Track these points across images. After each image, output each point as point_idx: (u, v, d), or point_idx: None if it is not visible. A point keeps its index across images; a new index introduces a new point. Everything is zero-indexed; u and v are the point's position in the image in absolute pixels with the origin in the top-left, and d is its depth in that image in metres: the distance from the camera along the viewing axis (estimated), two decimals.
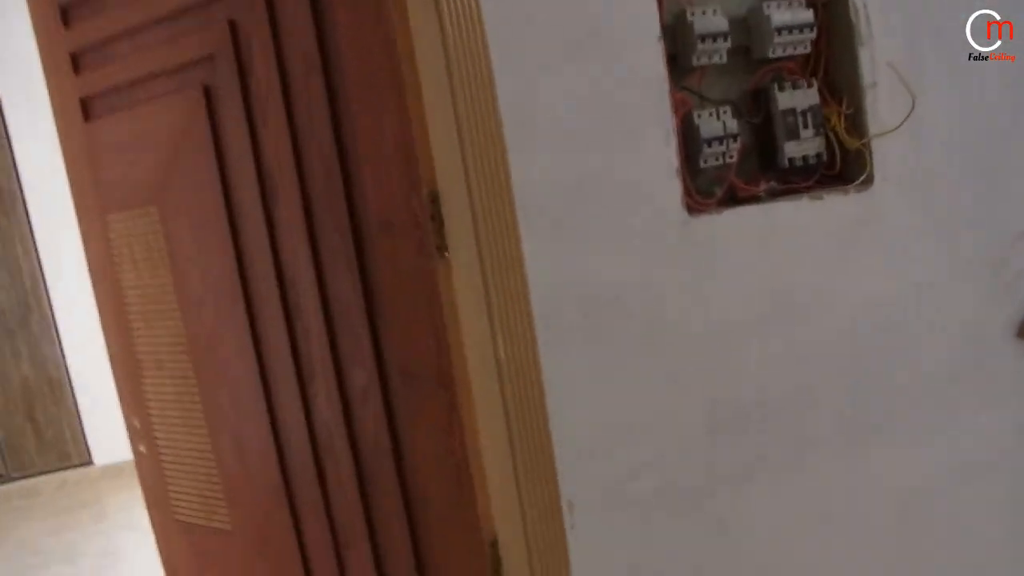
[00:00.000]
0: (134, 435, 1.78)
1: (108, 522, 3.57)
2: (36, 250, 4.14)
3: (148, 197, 1.61)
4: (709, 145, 1.29)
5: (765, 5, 1.30)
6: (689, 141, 1.30)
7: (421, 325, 1.30)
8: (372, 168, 1.31)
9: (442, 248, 1.26)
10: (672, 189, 1.22)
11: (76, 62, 1.64)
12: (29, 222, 4.12)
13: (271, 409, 1.54)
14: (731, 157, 1.30)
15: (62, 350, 4.20)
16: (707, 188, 1.32)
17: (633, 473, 1.18)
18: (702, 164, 1.29)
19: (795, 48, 1.32)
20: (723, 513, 1.23)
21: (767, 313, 1.25)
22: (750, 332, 1.24)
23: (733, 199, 1.33)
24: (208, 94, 1.44)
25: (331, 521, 1.49)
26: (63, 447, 4.26)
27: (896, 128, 1.29)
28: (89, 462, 4.27)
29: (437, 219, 1.26)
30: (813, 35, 1.32)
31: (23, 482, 4.20)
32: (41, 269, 4.14)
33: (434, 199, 1.26)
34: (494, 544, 1.28)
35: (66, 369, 4.21)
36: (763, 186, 1.34)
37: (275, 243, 1.44)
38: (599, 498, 1.17)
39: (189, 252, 1.57)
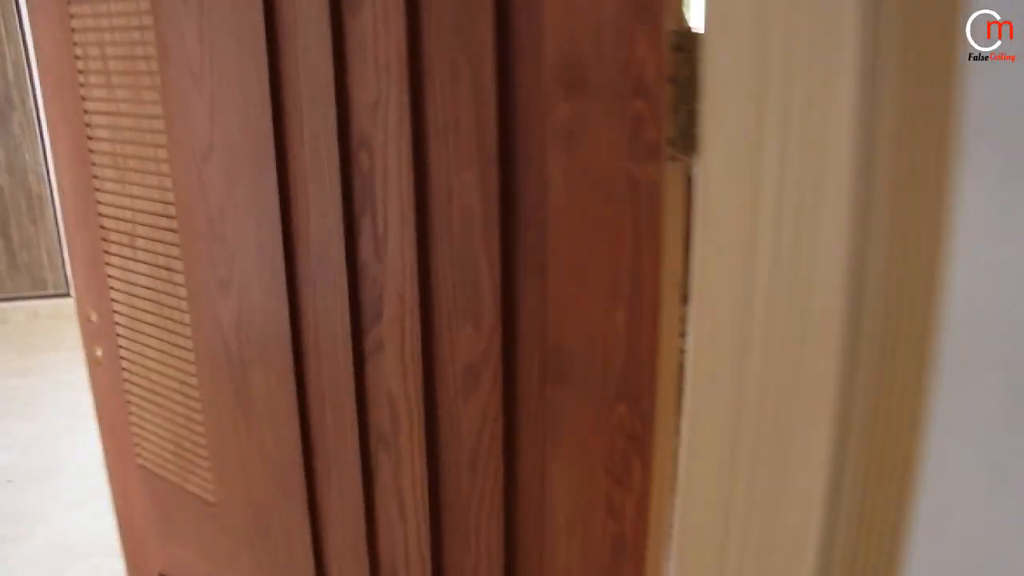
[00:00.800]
0: (89, 333, 1.20)
1: (79, 373, 3.07)
2: (22, 33, 3.40)
3: None
4: None
5: None
6: None
7: (606, 281, 0.69)
8: None
9: (683, 144, 0.63)
10: None
11: None
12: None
13: (297, 346, 0.96)
14: None
15: (46, 160, 3.55)
16: None
17: None
18: None
19: None
20: None
21: None
22: None
23: None
24: None
25: (373, 550, 0.93)
26: (38, 272, 3.70)
27: None
28: (66, 294, 3.73)
29: (684, 85, 0.63)
30: None
31: None
32: (27, 58, 3.43)
33: (683, 45, 0.62)
34: None
35: (48, 183, 3.58)
36: None
37: (343, 72, 0.81)
38: None
39: (195, 68, 0.94)
